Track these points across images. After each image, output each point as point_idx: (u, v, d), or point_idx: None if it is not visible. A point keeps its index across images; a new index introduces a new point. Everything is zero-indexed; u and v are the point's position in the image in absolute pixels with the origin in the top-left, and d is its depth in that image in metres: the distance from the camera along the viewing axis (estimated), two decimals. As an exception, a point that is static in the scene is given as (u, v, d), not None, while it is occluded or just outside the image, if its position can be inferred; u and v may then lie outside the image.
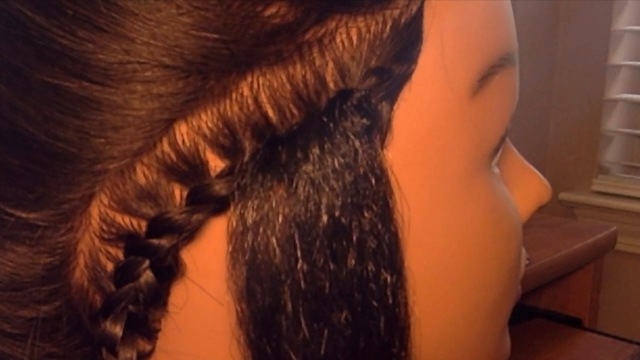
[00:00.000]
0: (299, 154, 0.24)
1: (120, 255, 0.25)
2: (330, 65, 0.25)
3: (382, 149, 0.25)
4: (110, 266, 0.26)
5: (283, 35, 0.24)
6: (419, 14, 0.26)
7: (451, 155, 0.27)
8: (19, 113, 0.24)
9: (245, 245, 0.24)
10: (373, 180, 0.25)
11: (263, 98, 0.24)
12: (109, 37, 0.23)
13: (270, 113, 0.24)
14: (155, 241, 0.24)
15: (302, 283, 0.24)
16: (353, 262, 0.24)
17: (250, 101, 0.24)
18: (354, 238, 0.24)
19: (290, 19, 0.24)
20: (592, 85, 1.81)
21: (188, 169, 0.24)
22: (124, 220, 0.25)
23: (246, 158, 0.24)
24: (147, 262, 0.25)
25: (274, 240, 0.24)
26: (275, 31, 0.24)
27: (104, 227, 0.25)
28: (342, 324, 0.25)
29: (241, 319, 0.25)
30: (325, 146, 0.24)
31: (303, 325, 0.24)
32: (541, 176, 0.35)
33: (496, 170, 0.31)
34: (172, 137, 0.24)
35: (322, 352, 0.24)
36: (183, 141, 0.24)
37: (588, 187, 1.84)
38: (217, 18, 0.23)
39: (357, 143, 0.24)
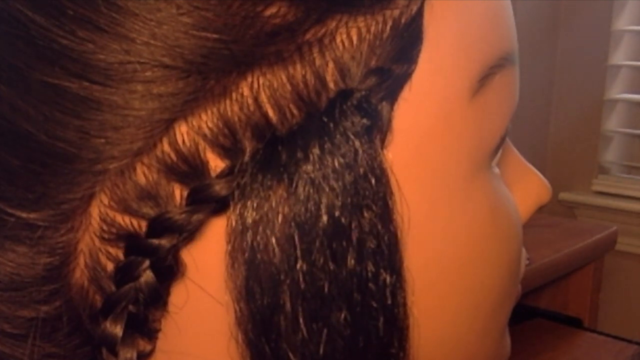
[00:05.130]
0: (299, 154, 0.24)
1: (121, 255, 0.25)
2: (331, 65, 0.25)
3: (382, 149, 0.25)
4: (110, 266, 0.26)
5: (283, 35, 0.24)
6: (419, 14, 0.26)
7: (451, 155, 0.27)
8: (19, 113, 0.24)
9: (245, 245, 0.24)
10: (373, 181, 0.25)
11: (263, 98, 0.24)
12: (109, 37, 0.23)
13: (271, 113, 0.24)
14: (155, 241, 0.24)
15: (302, 283, 0.24)
16: (352, 262, 0.24)
17: (250, 101, 0.24)
18: (354, 238, 0.24)
19: (291, 19, 0.24)
20: (592, 85, 1.81)
21: (188, 169, 0.24)
22: (124, 220, 0.25)
23: (246, 158, 0.24)
24: (147, 262, 0.25)
25: (273, 239, 0.24)
26: (276, 31, 0.24)
27: (104, 227, 0.25)
28: (341, 324, 0.25)
29: (240, 318, 0.25)
30: (326, 146, 0.24)
31: (302, 325, 0.24)
32: (541, 176, 0.35)
33: (496, 170, 0.31)
34: (172, 137, 0.24)
35: (321, 352, 0.24)
36: (183, 141, 0.24)
37: (588, 187, 1.84)
38: (217, 18, 0.23)
39: (357, 143, 0.24)
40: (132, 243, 0.25)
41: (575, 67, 1.83)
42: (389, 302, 0.25)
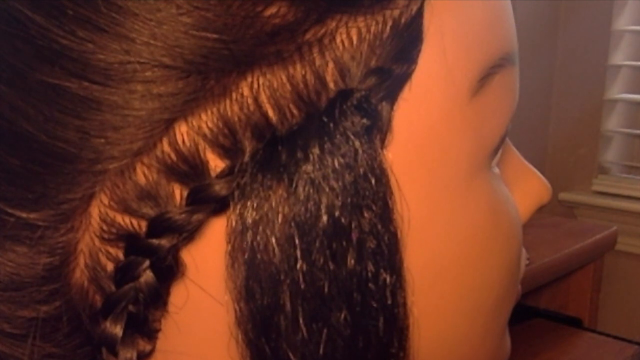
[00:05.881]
0: (299, 154, 0.24)
1: (121, 255, 0.25)
2: (330, 65, 0.25)
3: (382, 149, 0.25)
4: (110, 266, 0.26)
5: (283, 35, 0.24)
6: (419, 14, 0.26)
7: (451, 155, 0.27)
8: (19, 113, 0.24)
9: (245, 245, 0.24)
10: (373, 181, 0.25)
11: (263, 98, 0.24)
12: (109, 37, 0.23)
13: (270, 113, 0.24)
14: (155, 241, 0.24)
15: (301, 283, 0.24)
16: (352, 262, 0.24)
17: (250, 101, 0.24)
18: (354, 238, 0.24)
19: (291, 19, 0.24)
20: (592, 85, 1.81)
21: (188, 169, 0.24)
22: (124, 220, 0.25)
23: (246, 158, 0.24)
24: (147, 262, 0.25)
25: (273, 239, 0.24)
26: (276, 31, 0.24)
27: (104, 227, 0.25)
28: (341, 324, 0.25)
29: (240, 318, 0.25)
30: (325, 146, 0.24)
31: (302, 325, 0.24)
32: (541, 176, 0.35)
33: (496, 170, 0.31)
34: (172, 137, 0.24)
35: (321, 352, 0.24)
36: (183, 141, 0.24)
37: (588, 187, 1.84)
38: (217, 18, 0.23)
39: (357, 143, 0.24)
40: (132, 243, 0.25)
41: (575, 67, 1.83)
42: (389, 302, 0.25)
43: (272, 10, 0.24)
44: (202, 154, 0.24)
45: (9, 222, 0.25)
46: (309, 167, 0.24)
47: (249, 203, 0.24)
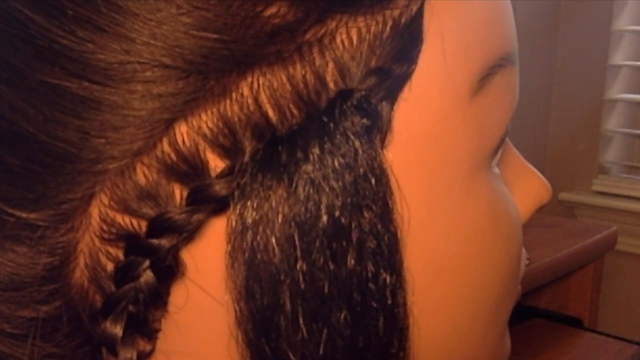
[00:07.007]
0: (299, 154, 0.24)
1: (121, 255, 0.25)
2: (331, 65, 0.25)
3: (382, 149, 0.25)
4: (110, 266, 0.26)
5: (283, 35, 0.24)
6: (419, 14, 0.26)
7: (451, 155, 0.27)
8: (19, 113, 0.24)
9: (245, 245, 0.24)
10: (373, 181, 0.25)
11: (263, 98, 0.24)
12: (109, 37, 0.23)
13: (270, 113, 0.24)
14: (155, 241, 0.24)
15: (302, 283, 0.24)
16: (352, 262, 0.24)
17: (250, 101, 0.24)
18: (354, 238, 0.24)
19: (291, 19, 0.24)
20: (592, 85, 1.81)
21: (188, 169, 0.24)
22: (124, 220, 0.25)
23: (246, 158, 0.24)
24: (147, 262, 0.25)
25: (273, 239, 0.24)
26: (276, 31, 0.24)
27: (104, 227, 0.25)
28: (341, 324, 0.25)
29: (240, 318, 0.25)
30: (325, 146, 0.24)
31: (302, 325, 0.24)
32: (541, 176, 0.35)
33: (496, 170, 0.31)
34: (172, 137, 0.24)
35: (321, 352, 0.24)
36: (183, 141, 0.24)
37: (588, 187, 1.85)
38: (217, 18, 0.23)
39: (357, 143, 0.24)
40: (132, 243, 0.25)
41: (575, 67, 1.83)
42: (389, 302, 0.25)
43: (272, 10, 0.24)
44: (202, 154, 0.24)
45: (9, 222, 0.25)
46: (309, 167, 0.24)
47: (249, 203, 0.24)
